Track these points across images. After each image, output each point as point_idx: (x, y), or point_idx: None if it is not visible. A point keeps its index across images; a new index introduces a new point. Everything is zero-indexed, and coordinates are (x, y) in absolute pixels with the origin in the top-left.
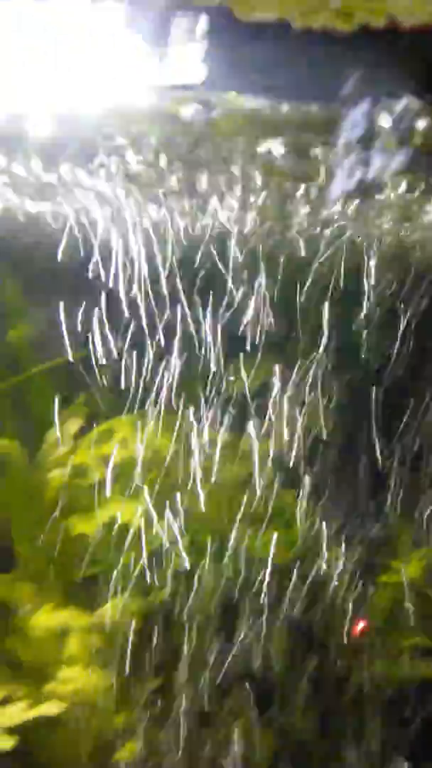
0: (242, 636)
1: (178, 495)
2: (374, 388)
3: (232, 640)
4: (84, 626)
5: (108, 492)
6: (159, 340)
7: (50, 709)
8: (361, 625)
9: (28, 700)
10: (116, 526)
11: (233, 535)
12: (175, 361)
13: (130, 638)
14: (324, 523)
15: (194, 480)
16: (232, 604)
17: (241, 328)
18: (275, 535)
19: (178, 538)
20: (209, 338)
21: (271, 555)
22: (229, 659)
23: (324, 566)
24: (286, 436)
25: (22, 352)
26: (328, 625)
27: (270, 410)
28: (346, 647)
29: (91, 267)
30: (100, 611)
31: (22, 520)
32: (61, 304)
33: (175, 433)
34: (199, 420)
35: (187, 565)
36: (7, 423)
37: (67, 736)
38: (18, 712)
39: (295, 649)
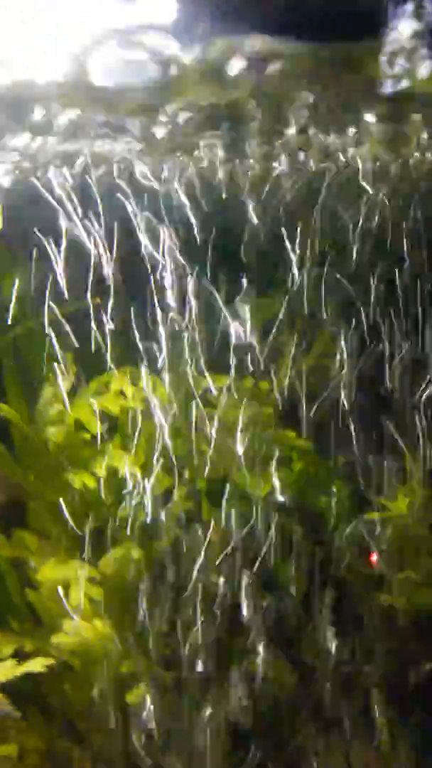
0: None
1: (176, 442)
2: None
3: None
4: (88, 577)
5: (107, 444)
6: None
7: (36, 665)
8: (374, 557)
9: (38, 650)
10: (117, 477)
11: (234, 476)
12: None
13: (135, 586)
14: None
15: (195, 426)
16: (234, 546)
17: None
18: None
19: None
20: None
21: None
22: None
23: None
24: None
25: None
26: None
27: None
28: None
29: None
30: (103, 562)
31: (28, 476)
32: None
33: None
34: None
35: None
36: (11, 381)
37: (78, 681)
38: (8, 669)
39: (303, 581)
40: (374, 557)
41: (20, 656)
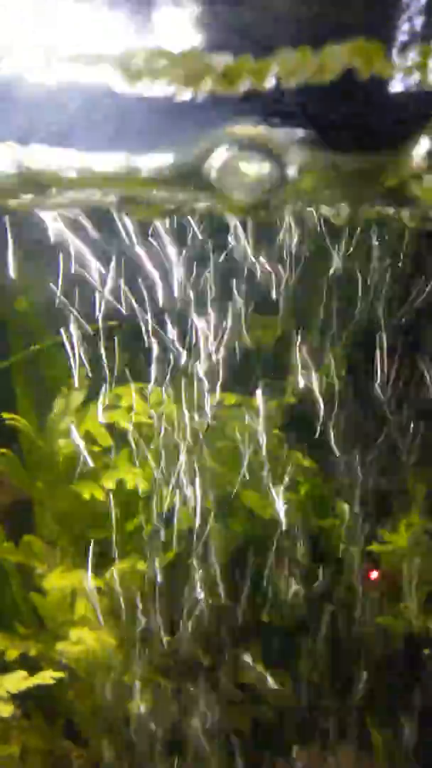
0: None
1: (185, 458)
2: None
3: (238, 597)
4: (94, 588)
5: (117, 457)
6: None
7: (45, 677)
8: (374, 574)
9: (42, 655)
10: (125, 491)
11: (239, 495)
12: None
13: (138, 598)
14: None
15: (202, 443)
16: (239, 563)
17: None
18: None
19: (175, 503)
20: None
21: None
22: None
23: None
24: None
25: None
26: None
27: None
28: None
29: None
30: (109, 573)
31: (37, 486)
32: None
33: (183, 398)
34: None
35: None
36: (23, 393)
37: (83, 688)
38: (18, 680)
39: (303, 603)
40: (374, 574)
41: (24, 659)
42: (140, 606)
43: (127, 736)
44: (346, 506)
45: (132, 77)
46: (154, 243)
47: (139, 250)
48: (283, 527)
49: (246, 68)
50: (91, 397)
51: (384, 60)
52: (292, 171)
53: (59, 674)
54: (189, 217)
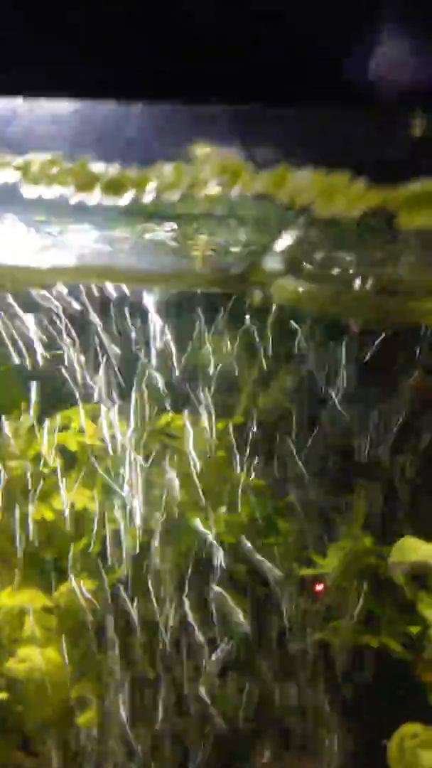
0: (193, 608)
1: (133, 479)
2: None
3: (183, 614)
4: (43, 606)
5: (66, 479)
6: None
7: None
8: (319, 587)
9: None
10: (74, 511)
11: (184, 515)
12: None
13: (86, 617)
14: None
15: (149, 463)
16: (184, 581)
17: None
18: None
19: (123, 523)
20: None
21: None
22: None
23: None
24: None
25: None
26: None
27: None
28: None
29: None
30: (57, 592)
31: None
32: None
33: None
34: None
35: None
36: None
37: (32, 705)
38: None
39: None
40: (319, 587)
41: None
42: (89, 623)
43: (76, 747)
44: (288, 524)
45: (32, 181)
46: None
47: None
48: (225, 546)
49: (128, 180)
50: (42, 420)
51: (248, 176)
52: None
53: (2, 695)
54: None
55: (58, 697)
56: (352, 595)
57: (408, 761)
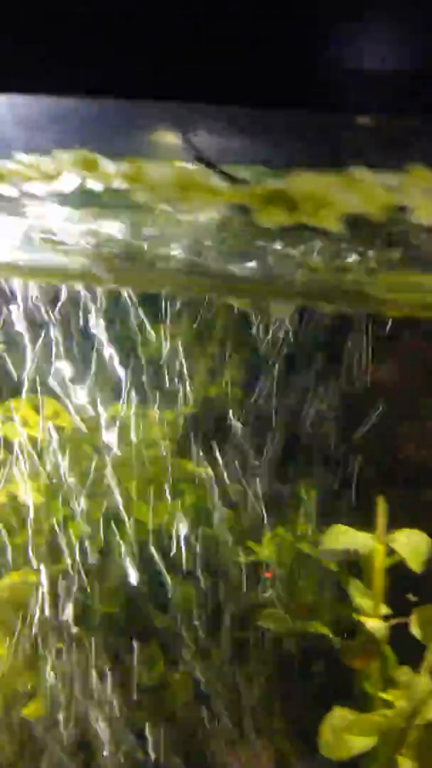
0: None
1: (78, 470)
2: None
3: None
4: None
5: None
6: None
7: None
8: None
9: None
10: (18, 503)
11: (132, 505)
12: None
13: (32, 608)
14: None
15: (99, 454)
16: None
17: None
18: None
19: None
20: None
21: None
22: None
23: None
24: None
25: None
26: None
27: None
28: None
29: None
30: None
31: None
32: None
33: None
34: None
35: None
36: None
37: None
38: None
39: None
40: (268, 575)
41: None
42: (32, 616)
43: (27, 740)
44: (232, 513)
45: None
46: None
47: None
48: (170, 536)
49: None
50: None
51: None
52: None
53: None
54: None
55: (3, 691)
56: (291, 582)
57: (337, 745)
